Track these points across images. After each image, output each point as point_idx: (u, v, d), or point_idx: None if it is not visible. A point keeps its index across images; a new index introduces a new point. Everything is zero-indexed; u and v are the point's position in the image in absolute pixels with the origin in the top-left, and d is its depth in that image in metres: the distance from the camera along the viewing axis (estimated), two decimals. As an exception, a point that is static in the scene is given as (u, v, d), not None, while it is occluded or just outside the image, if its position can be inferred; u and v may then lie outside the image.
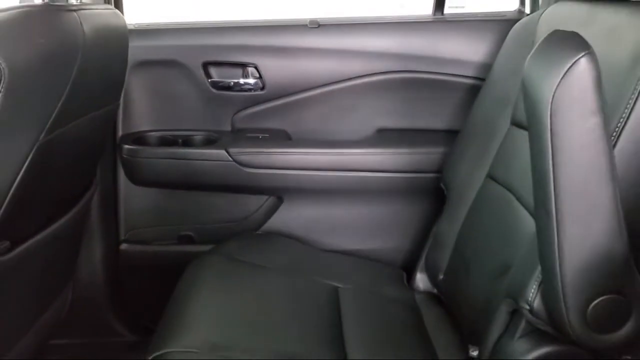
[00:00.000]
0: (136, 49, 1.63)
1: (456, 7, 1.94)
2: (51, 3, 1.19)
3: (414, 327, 1.39)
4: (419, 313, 1.44)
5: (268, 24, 1.83)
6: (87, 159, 1.44)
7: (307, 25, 1.78)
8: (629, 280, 0.91)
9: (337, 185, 1.76)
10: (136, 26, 1.80)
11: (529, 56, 0.92)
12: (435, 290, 1.51)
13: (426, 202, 1.75)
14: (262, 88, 1.80)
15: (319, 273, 1.53)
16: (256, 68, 1.78)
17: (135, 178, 1.82)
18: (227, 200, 1.84)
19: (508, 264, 1.12)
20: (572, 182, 0.84)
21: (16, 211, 1.07)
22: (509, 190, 1.22)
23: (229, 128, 1.86)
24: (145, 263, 1.85)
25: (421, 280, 1.55)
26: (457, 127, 1.63)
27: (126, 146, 1.77)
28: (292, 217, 1.82)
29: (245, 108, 1.84)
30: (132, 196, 1.84)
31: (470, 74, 1.73)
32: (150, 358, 1.16)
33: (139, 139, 1.82)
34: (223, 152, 1.74)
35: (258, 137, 1.81)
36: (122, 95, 1.57)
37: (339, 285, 1.49)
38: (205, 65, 1.79)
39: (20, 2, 1.53)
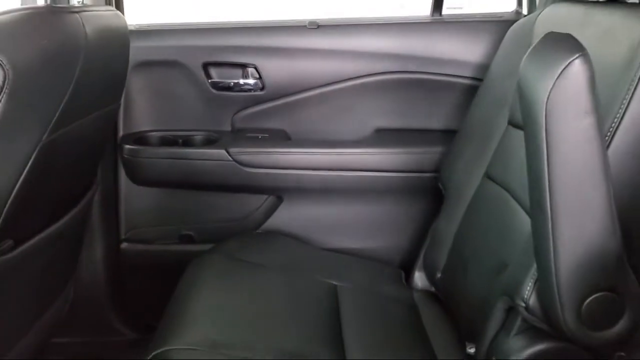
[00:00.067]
0: (137, 50, 1.63)
1: (454, 8, 1.95)
2: (54, 5, 1.20)
3: (411, 325, 1.39)
4: (417, 311, 1.45)
5: (267, 25, 1.84)
6: (88, 158, 1.45)
7: (306, 26, 1.79)
8: (623, 278, 0.92)
9: (336, 184, 1.77)
10: (137, 27, 1.81)
11: (525, 57, 0.93)
12: (433, 289, 1.52)
13: (424, 201, 1.76)
14: (262, 88, 1.81)
15: (318, 272, 1.54)
16: (256, 69, 1.79)
17: (136, 178, 1.82)
18: (227, 199, 1.84)
19: (505, 263, 1.13)
20: (566, 181, 0.86)
21: (19, 210, 1.08)
22: (506, 189, 1.23)
23: (229, 128, 1.86)
24: (146, 262, 1.86)
25: (419, 278, 1.56)
26: (455, 127, 1.64)
27: (127, 146, 1.78)
28: (291, 216, 1.83)
29: (245, 108, 1.85)
30: (132, 196, 1.85)
31: (468, 74, 1.74)
32: (151, 356, 1.17)
33: (139, 139, 1.82)
34: (223, 152, 1.75)
35: (258, 137, 1.82)
36: (123, 95, 1.58)
37: (338, 283, 1.49)
38: (206, 66, 1.80)
39: (22, 4, 1.54)
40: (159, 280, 1.56)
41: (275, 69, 1.79)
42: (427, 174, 1.71)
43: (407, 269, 1.63)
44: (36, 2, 1.48)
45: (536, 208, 0.92)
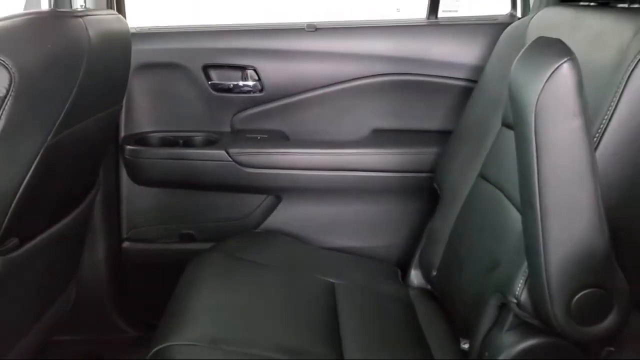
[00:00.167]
0: (138, 52, 1.64)
1: (450, 11, 1.96)
2: (57, 9, 1.21)
3: (407, 321, 1.41)
4: (412, 308, 1.47)
5: (266, 28, 1.84)
6: (91, 159, 1.46)
7: (304, 28, 1.80)
8: (611, 275, 0.95)
9: (334, 184, 1.78)
10: (138, 30, 1.81)
11: (515, 61, 0.96)
12: (428, 286, 1.53)
13: (420, 201, 1.77)
14: (261, 90, 1.82)
15: (316, 270, 1.55)
16: (255, 70, 1.80)
17: (138, 178, 1.83)
18: (227, 199, 1.85)
19: (497, 260, 1.15)
20: (555, 181, 0.88)
21: (25, 210, 1.09)
22: (500, 189, 1.25)
23: (228, 129, 1.87)
24: (147, 261, 1.87)
25: (415, 276, 1.58)
26: (450, 128, 1.65)
27: (128, 147, 1.79)
28: (290, 215, 1.84)
29: (245, 109, 1.86)
30: (134, 196, 1.86)
31: (463, 76, 1.75)
32: (153, 352, 1.18)
33: (141, 139, 1.83)
34: (223, 152, 1.76)
35: (257, 137, 1.83)
36: (125, 97, 1.59)
37: (336, 281, 1.51)
38: (206, 68, 1.81)
39: (25, 9, 1.55)
40: (160, 278, 1.57)
41: (274, 71, 1.80)
42: (423, 174, 1.73)
43: (404, 267, 1.65)
44: (40, 6, 1.49)
45: (526, 207, 0.94)
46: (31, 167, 1.06)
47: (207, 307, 1.33)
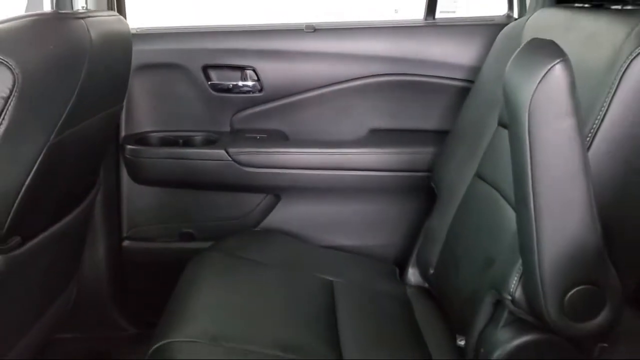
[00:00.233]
0: (139, 53, 1.64)
1: (447, 12, 1.97)
2: (60, 11, 1.22)
3: (405, 319, 1.42)
4: (410, 306, 1.48)
5: (266, 29, 1.85)
6: (92, 158, 1.47)
7: (303, 29, 1.81)
8: (603, 272, 0.96)
9: (332, 183, 1.79)
10: (139, 30, 1.82)
11: (509, 62, 0.97)
12: (426, 285, 1.54)
13: (417, 200, 1.77)
14: (260, 90, 1.83)
15: (315, 268, 1.56)
16: (254, 71, 1.81)
17: (138, 177, 1.84)
18: (226, 198, 1.86)
19: (493, 258, 1.16)
20: (548, 178, 0.90)
21: (27, 208, 1.10)
22: (496, 188, 1.26)
23: (228, 129, 1.88)
24: (147, 259, 1.88)
25: (413, 274, 1.58)
26: (447, 127, 1.66)
27: (129, 146, 1.80)
28: (289, 214, 1.85)
29: (244, 109, 1.87)
30: (134, 195, 1.86)
31: (460, 76, 1.76)
32: (153, 348, 1.19)
33: (141, 139, 1.84)
34: (222, 152, 1.77)
35: (256, 137, 1.84)
36: (125, 97, 1.59)
37: (334, 279, 1.52)
38: (205, 68, 1.82)
39: (27, 10, 1.56)
40: (160, 276, 1.57)
41: (273, 71, 1.81)
42: (420, 174, 1.73)
43: (401, 266, 1.66)
44: (42, 7, 1.50)
45: (520, 205, 0.96)
46: (34, 166, 1.07)
47: (207, 305, 1.34)
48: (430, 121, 1.81)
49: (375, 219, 1.83)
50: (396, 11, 3.57)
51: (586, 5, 1.34)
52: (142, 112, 1.86)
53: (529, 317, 1.02)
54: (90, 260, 1.77)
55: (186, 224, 1.88)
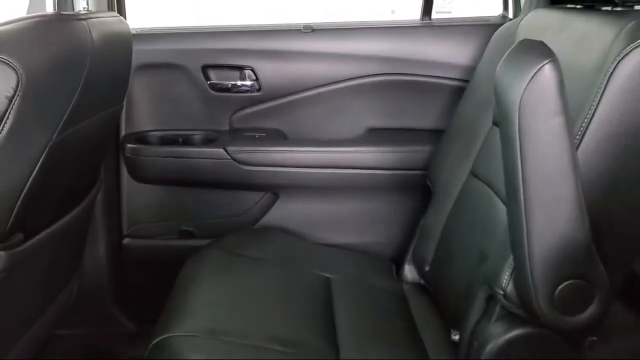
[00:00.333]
0: (139, 53, 1.65)
1: (443, 13, 1.98)
2: (62, 12, 1.23)
3: (401, 315, 1.44)
4: (406, 302, 1.49)
5: (264, 29, 1.86)
6: (93, 157, 1.48)
7: (301, 30, 1.82)
8: (592, 267, 0.98)
9: (330, 182, 1.80)
10: (139, 31, 1.83)
11: (500, 63, 0.99)
12: (422, 281, 1.55)
13: (413, 198, 1.78)
14: (259, 90, 1.84)
15: (312, 265, 1.57)
16: (253, 71, 1.82)
17: (138, 175, 1.85)
18: (225, 196, 1.87)
19: (486, 254, 1.18)
20: (537, 175, 0.92)
21: (30, 206, 1.11)
22: (489, 186, 1.27)
23: (227, 128, 1.89)
24: (147, 257, 1.89)
25: (409, 271, 1.60)
26: (443, 126, 1.67)
27: (129, 145, 1.81)
28: (287, 212, 1.86)
29: (243, 109, 1.88)
30: (134, 193, 1.88)
31: (455, 76, 1.77)
32: (153, 342, 1.21)
33: (141, 138, 1.85)
34: (221, 150, 1.78)
35: (255, 136, 1.85)
36: (126, 96, 1.60)
37: (332, 276, 1.53)
38: (205, 68, 1.83)
39: (28, 12, 1.58)
40: (160, 273, 1.58)
41: (272, 71, 1.82)
42: (416, 172, 1.75)
43: (398, 263, 1.67)
44: (42, 9, 1.51)
45: (511, 201, 0.98)
46: (37, 164, 1.08)
47: (206, 301, 1.35)
48: (426, 120, 1.82)
49: (372, 217, 1.85)
50: (393, 12, 3.59)
51: (578, 7, 1.36)
52: (142, 111, 1.87)
53: (521, 311, 1.04)
54: (90, 257, 1.78)
55: (186, 221, 1.89)
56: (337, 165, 1.79)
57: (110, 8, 1.73)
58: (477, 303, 1.15)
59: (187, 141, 1.88)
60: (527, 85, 0.89)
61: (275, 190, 1.88)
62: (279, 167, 1.80)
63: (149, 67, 1.83)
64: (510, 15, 1.80)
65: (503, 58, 0.99)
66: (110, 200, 1.84)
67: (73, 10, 1.46)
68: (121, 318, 1.89)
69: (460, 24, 1.83)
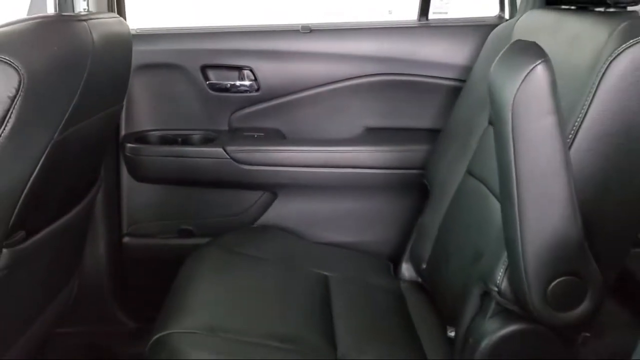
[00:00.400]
0: (138, 53, 1.65)
1: (440, 13, 2.00)
2: (63, 14, 1.24)
3: (398, 312, 1.45)
4: (403, 300, 1.51)
5: (263, 29, 1.87)
6: (93, 156, 1.48)
7: (299, 30, 1.83)
8: (584, 263, 1.00)
9: (328, 181, 1.81)
10: (138, 31, 1.84)
11: (494, 63, 1.01)
12: (419, 279, 1.57)
13: (411, 196, 1.80)
14: (257, 90, 1.85)
15: (310, 264, 1.59)
16: (251, 71, 1.83)
17: (138, 175, 1.86)
18: (224, 195, 1.88)
19: (481, 252, 1.19)
20: (531, 173, 0.93)
21: (31, 205, 1.12)
22: (485, 184, 1.29)
23: (226, 127, 1.90)
24: (147, 255, 1.89)
25: (406, 269, 1.61)
26: (440, 126, 1.69)
27: (129, 145, 1.81)
28: (286, 211, 1.87)
29: (242, 108, 1.89)
30: (134, 192, 1.88)
31: (452, 76, 1.78)
32: (153, 339, 1.23)
33: (141, 138, 1.86)
34: (220, 150, 1.79)
35: (254, 135, 1.86)
36: (126, 96, 1.60)
37: (330, 274, 1.54)
38: (204, 68, 1.84)
39: (28, 14, 1.59)
40: (160, 272, 1.59)
41: (270, 71, 1.83)
42: (413, 171, 1.76)
43: (395, 261, 1.68)
44: (43, 10, 1.52)
45: (505, 199, 1.00)
46: (38, 164, 1.09)
47: (206, 298, 1.37)
48: (423, 120, 1.83)
49: (370, 216, 1.86)
50: (390, 12, 3.61)
51: (572, 7, 1.37)
52: (142, 111, 1.88)
53: (515, 307, 1.06)
54: (91, 256, 1.79)
55: (185, 220, 1.90)
56: (335, 164, 1.80)
57: (110, 9, 1.74)
58: (473, 300, 1.16)
59: (186, 141, 1.88)
60: (520, 85, 0.91)
61: (274, 189, 1.89)
62: (278, 166, 1.81)
63: (148, 68, 1.83)
64: (506, 15, 1.81)
65: (497, 58, 1.01)
66: (110, 199, 1.85)
67: (74, 11, 1.46)
68: (121, 316, 1.89)
69: (457, 25, 1.84)
